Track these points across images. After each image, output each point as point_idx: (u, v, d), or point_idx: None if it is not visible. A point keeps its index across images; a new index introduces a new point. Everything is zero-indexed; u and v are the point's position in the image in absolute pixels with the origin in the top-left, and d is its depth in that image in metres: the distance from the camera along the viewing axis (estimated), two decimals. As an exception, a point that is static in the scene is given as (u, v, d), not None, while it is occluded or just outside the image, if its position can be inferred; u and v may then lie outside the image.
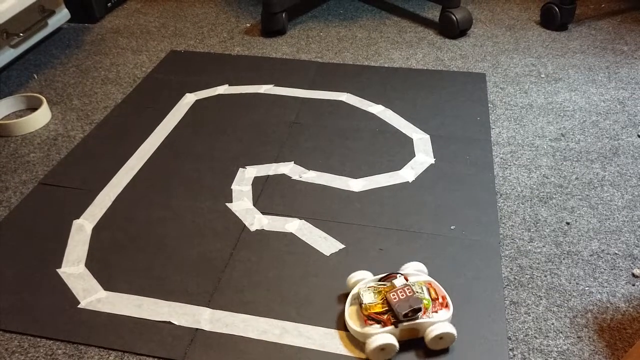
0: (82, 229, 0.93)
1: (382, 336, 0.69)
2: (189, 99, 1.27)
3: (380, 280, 0.76)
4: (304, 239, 0.90)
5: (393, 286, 0.73)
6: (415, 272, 0.77)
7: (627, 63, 1.39)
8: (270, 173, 1.04)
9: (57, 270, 0.86)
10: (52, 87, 1.34)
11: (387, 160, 1.07)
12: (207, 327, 0.76)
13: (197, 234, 0.91)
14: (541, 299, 0.80)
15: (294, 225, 0.93)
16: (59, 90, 1.33)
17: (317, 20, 1.65)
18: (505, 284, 0.82)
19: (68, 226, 0.94)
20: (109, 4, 1.71)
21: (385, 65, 1.40)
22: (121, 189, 1.01)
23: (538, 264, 0.85)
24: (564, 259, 0.86)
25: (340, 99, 1.26)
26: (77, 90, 1.33)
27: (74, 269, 0.86)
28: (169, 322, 0.77)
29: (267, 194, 0.99)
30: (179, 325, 0.77)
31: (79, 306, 0.80)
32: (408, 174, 1.03)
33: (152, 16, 1.71)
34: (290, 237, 0.90)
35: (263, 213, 0.95)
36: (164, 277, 0.84)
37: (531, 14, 1.66)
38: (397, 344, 0.70)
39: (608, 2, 1.73)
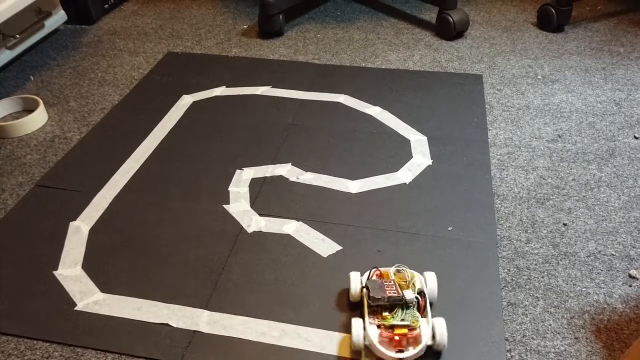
0: (79, 230, 0.93)
1: (356, 281, 0.78)
2: (186, 101, 1.27)
3: (415, 290, 0.75)
4: (301, 240, 0.90)
5: (401, 289, 0.74)
6: (432, 325, 0.71)
7: (623, 64, 1.39)
8: (268, 175, 1.04)
9: (54, 272, 0.85)
10: (48, 89, 1.34)
11: (385, 162, 1.07)
12: (205, 329, 0.76)
13: (194, 235, 0.91)
14: (538, 300, 0.80)
15: (291, 227, 0.92)
16: (56, 92, 1.33)
17: (315, 22, 1.65)
18: (503, 285, 0.82)
19: (65, 228, 0.93)
20: (106, 6, 1.71)
21: (383, 67, 1.40)
22: (118, 190, 1.01)
23: (535, 265, 0.85)
24: (561, 260, 0.86)
25: (337, 100, 1.26)
26: (74, 92, 1.33)
27: (70, 271, 0.85)
28: (167, 325, 0.77)
29: (265, 196, 0.99)
30: (177, 328, 0.76)
31: (75, 308, 0.79)
32: (405, 175, 1.03)
33: (149, 18, 1.70)
34: (287, 239, 0.90)
35: (260, 215, 0.95)
36: (161, 279, 0.84)
37: (528, 16, 1.66)
38: (354, 292, 0.77)
39: (604, 3, 1.74)
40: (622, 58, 1.42)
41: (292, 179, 1.03)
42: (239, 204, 0.98)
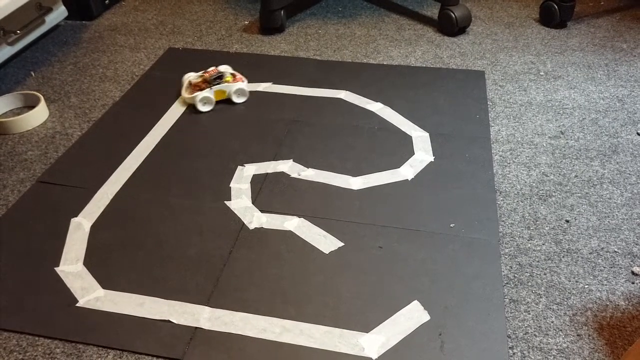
0: (80, 227, 0.93)
1: (203, 93, 1.20)
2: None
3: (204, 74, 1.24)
4: (303, 237, 0.90)
5: (209, 73, 1.23)
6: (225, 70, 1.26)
7: (626, 61, 1.39)
8: (269, 171, 1.04)
9: (55, 268, 0.85)
10: (49, 85, 1.34)
11: (387, 158, 1.07)
12: (206, 326, 0.76)
13: (195, 232, 0.91)
14: (541, 297, 0.80)
15: (293, 223, 0.92)
16: (57, 88, 1.32)
17: (316, 17, 1.65)
18: (505, 282, 0.82)
19: (66, 224, 0.93)
20: (107, 1, 1.71)
21: (384, 63, 1.39)
22: (119, 187, 1.01)
23: (537, 262, 0.85)
24: (563, 257, 0.86)
25: (339, 96, 1.26)
26: (75, 88, 1.32)
27: (72, 268, 0.85)
28: (168, 321, 0.77)
29: (266, 192, 0.99)
30: (178, 324, 0.76)
31: (77, 305, 0.79)
32: (407, 171, 1.03)
33: (150, 13, 1.70)
34: (289, 235, 0.90)
35: (262, 211, 0.95)
36: (163, 276, 0.84)
37: (530, 12, 1.66)
38: (213, 97, 1.22)
39: (607, -1, 1.73)
40: (625, 54, 1.42)
41: (294, 175, 1.03)
42: (240, 200, 0.97)
